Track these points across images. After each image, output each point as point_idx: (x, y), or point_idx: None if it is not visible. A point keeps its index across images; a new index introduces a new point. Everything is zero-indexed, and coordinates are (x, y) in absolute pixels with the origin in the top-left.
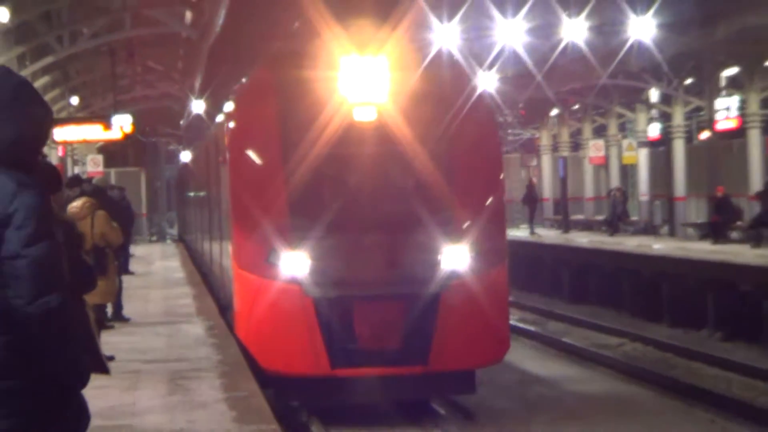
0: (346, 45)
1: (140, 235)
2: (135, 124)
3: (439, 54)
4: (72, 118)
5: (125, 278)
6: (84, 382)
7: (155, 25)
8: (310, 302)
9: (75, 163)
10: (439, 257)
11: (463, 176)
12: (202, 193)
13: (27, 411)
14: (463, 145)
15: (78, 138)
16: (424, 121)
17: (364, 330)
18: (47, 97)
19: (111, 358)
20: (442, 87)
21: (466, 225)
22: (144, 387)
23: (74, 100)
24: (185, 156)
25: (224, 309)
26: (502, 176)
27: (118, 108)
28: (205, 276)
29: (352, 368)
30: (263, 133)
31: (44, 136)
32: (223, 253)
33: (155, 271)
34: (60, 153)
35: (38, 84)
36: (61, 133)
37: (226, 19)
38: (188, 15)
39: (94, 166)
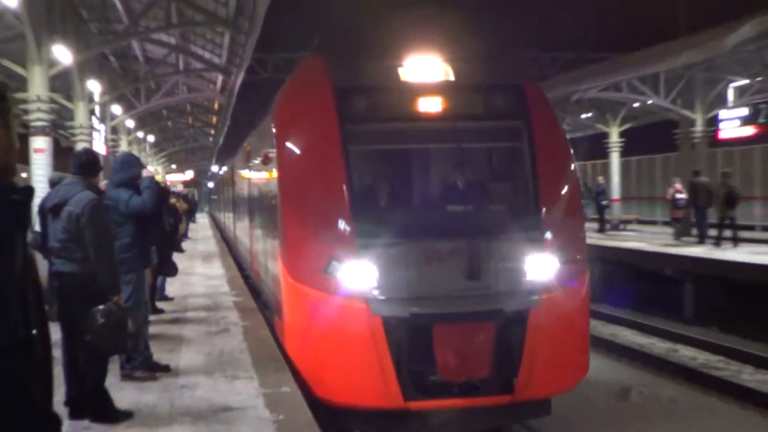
0: (409, 33)
1: None
2: (195, 173)
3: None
4: (172, 172)
5: (191, 225)
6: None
7: (197, 139)
8: (379, 322)
9: (171, 186)
10: (525, 267)
11: (544, 175)
12: (217, 197)
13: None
14: (541, 142)
15: (174, 179)
16: (496, 114)
17: (443, 354)
18: (164, 166)
19: (182, 251)
20: (510, 78)
21: (550, 230)
22: (195, 262)
23: (174, 167)
24: (210, 184)
25: (257, 294)
26: (578, 176)
27: (188, 167)
28: (216, 223)
29: (428, 400)
30: (318, 124)
31: (138, 177)
32: (235, 227)
33: (200, 223)
34: (168, 183)
35: (161, 161)
36: (168, 176)
37: (222, 141)
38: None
39: (180, 187)
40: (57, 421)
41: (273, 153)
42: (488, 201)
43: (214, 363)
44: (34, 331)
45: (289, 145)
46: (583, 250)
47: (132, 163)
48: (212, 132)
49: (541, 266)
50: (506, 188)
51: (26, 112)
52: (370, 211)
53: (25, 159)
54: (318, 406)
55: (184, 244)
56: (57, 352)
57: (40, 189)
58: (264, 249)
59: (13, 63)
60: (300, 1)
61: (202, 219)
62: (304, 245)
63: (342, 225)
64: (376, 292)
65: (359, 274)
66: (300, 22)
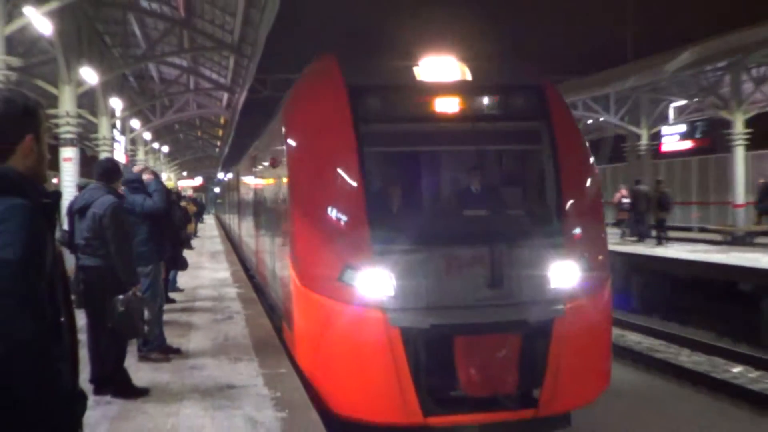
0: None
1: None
2: (203, 180)
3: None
4: (183, 178)
5: (199, 225)
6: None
7: (205, 150)
8: (397, 334)
9: (182, 192)
10: (549, 275)
11: (566, 179)
12: (222, 200)
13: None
14: (563, 144)
15: (186, 185)
16: (517, 115)
17: (466, 367)
18: (176, 173)
19: (192, 248)
20: (530, 79)
21: (574, 235)
22: (203, 257)
23: (185, 173)
24: (216, 189)
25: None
26: (599, 179)
27: (197, 174)
28: (222, 224)
29: (449, 416)
30: (332, 124)
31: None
32: (241, 230)
33: (207, 223)
34: (179, 188)
35: (173, 168)
36: (180, 182)
37: (227, 152)
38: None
39: (190, 192)
40: (83, 397)
41: (283, 154)
42: (509, 205)
43: (220, 346)
44: (62, 318)
45: (300, 146)
46: (605, 256)
47: (118, 170)
48: (218, 143)
49: (564, 273)
50: (527, 192)
51: (57, 126)
52: (387, 216)
53: (55, 167)
54: (331, 422)
55: (193, 242)
56: (82, 337)
57: (68, 193)
58: (271, 252)
59: (46, 83)
60: (295, 30)
61: (209, 220)
62: (316, 251)
63: (357, 230)
64: (393, 302)
65: (376, 283)
66: (295, 47)
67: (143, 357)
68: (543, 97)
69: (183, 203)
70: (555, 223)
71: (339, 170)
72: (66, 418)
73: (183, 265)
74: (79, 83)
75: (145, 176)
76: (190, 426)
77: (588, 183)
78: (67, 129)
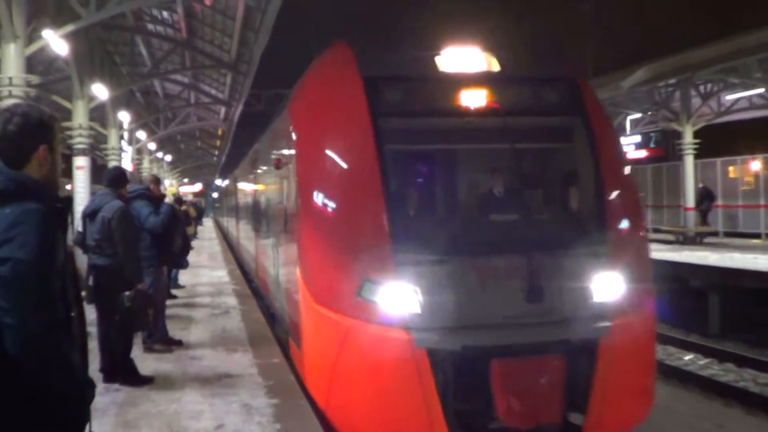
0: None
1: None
2: (203, 186)
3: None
4: (184, 185)
5: (199, 228)
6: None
7: (205, 158)
8: (424, 356)
9: (183, 197)
10: (593, 288)
11: (608, 180)
12: (220, 204)
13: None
14: (602, 143)
15: (186, 191)
16: (551, 110)
17: (504, 395)
18: (178, 179)
19: (192, 248)
20: (564, 71)
21: (618, 243)
22: (202, 256)
23: (186, 180)
24: (214, 194)
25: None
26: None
27: (197, 181)
28: (220, 227)
29: None
30: (347, 119)
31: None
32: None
33: (206, 226)
34: (181, 194)
35: (175, 175)
36: (181, 188)
37: (224, 160)
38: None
39: (191, 197)
40: (92, 385)
41: (290, 153)
42: (545, 209)
43: (218, 339)
44: (72, 313)
45: (310, 143)
46: (649, 267)
47: (125, 178)
48: (216, 152)
49: (610, 286)
50: (565, 195)
51: (70, 137)
52: (410, 222)
53: (69, 174)
54: None
55: (193, 243)
56: (92, 329)
57: (81, 198)
58: (274, 260)
59: (62, 98)
60: (287, 50)
61: (207, 223)
62: (330, 263)
63: (377, 238)
64: (419, 320)
65: (399, 298)
66: (286, 66)
67: (148, 348)
68: (578, 90)
69: (184, 207)
70: (597, 229)
71: (355, 170)
72: (77, 404)
73: (184, 264)
74: (91, 98)
75: (167, 199)
76: (191, 411)
77: (629, 184)
78: (79, 140)
